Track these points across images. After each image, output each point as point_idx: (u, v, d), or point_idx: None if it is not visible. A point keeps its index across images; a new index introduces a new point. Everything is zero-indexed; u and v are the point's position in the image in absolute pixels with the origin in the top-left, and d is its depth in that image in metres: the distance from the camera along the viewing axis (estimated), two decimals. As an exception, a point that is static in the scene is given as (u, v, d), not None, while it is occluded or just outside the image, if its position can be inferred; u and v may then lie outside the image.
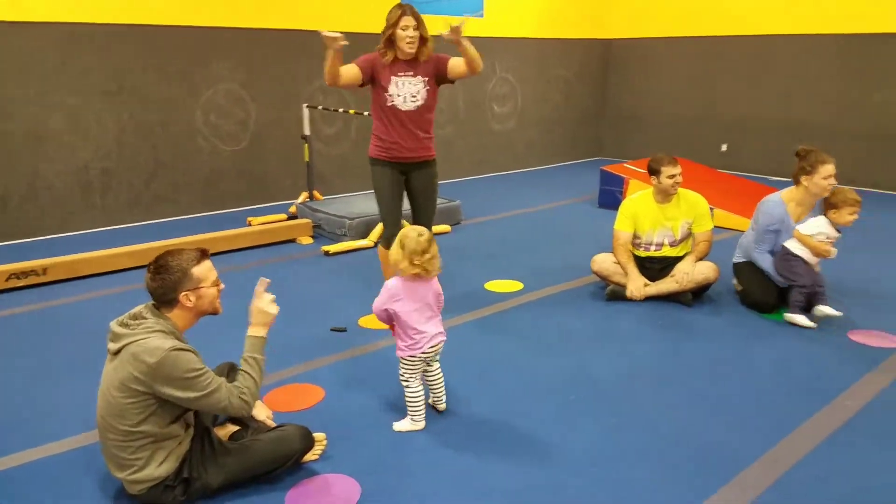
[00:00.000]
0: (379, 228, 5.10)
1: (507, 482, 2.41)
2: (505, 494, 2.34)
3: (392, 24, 3.56)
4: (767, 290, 3.96)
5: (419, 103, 3.66)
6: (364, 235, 5.48)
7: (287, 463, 2.32)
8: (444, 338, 2.76)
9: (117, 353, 2.09)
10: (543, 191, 7.76)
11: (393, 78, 3.64)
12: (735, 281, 4.21)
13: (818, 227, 3.79)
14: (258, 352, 2.31)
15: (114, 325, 2.14)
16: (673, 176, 4.04)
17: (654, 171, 4.10)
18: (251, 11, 6.43)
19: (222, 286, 2.29)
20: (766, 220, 3.97)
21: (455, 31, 3.36)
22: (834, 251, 3.81)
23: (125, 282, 4.55)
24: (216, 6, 6.22)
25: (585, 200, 7.17)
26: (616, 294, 4.18)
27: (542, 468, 2.49)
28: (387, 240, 3.96)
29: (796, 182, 3.96)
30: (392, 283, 2.70)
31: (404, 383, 2.73)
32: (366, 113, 6.03)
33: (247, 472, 2.25)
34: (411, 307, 2.67)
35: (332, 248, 5.22)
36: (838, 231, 3.80)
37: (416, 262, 2.64)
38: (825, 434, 2.70)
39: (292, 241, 5.55)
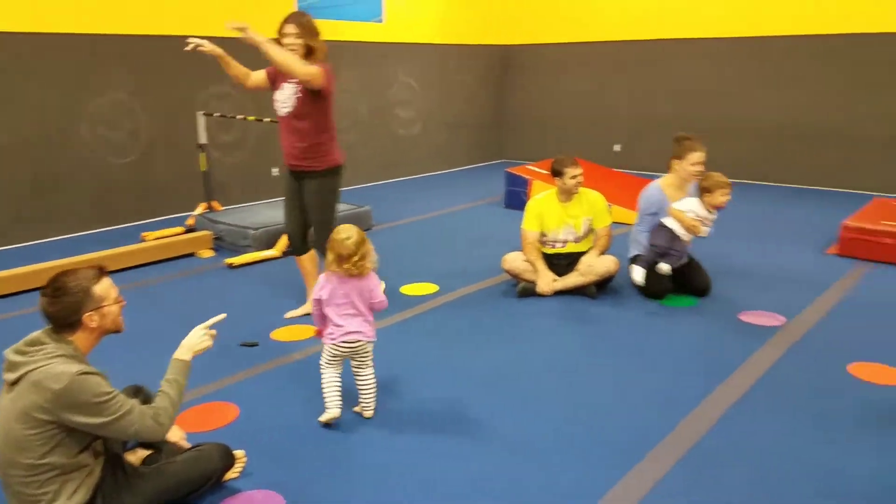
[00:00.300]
0: (285, 237, 5.00)
1: (431, 479, 2.42)
2: (429, 491, 2.35)
3: (278, 32, 3.58)
4: (660, 279, 4.19)
5: (288, 110, 3.66)
6: (269, 246, 5.33)
7: (207, 483, 2.24)
8: (364, 338, 2.79)
9: (15, 382, 1.93)
10: (451, 194, 7.85)
11: (283, 84, 3.67)
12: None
13: (689, 206, 4.08)
14: (180, 375, 2.21)
15: (9, 354, 1.98)
16: (575, 176, 4.22)
17: (557, 173, 4.25)
18: (137, 17, 6.13)
19: (124, 302, 2.18)
20: (645, 206, 4.27)
21: (239, 29, 3.37)
22: (705, 230, 4.08)
23: (8, 308, 4.22)
24: (99, 13, 5.89)
25: (492, 202, 7.31)
26: (527, 291, 4.29)
27: (468, 461, 2.53)
28: (293, 247, 3.99)
29: (669, 167, 4.24)
30: (323, 276, 2.82)
31: (321, 369, 2.82)
32: (266, 119, 5.91)
33: (165, 495, 2.14)
34: (333, 301, 2.76)
35: (236, 260, 5.06)
36: (712, 212, 4.08)
37: (343, 266, 2.71)
38: (724, 408, 2.90)
39: (192, 254, 5.33)
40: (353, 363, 2.83)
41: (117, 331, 2.16)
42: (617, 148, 9.15)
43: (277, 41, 3.53)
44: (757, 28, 7.89)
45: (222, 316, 2.38)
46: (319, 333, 2.90)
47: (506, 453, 2.60)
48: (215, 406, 2.97)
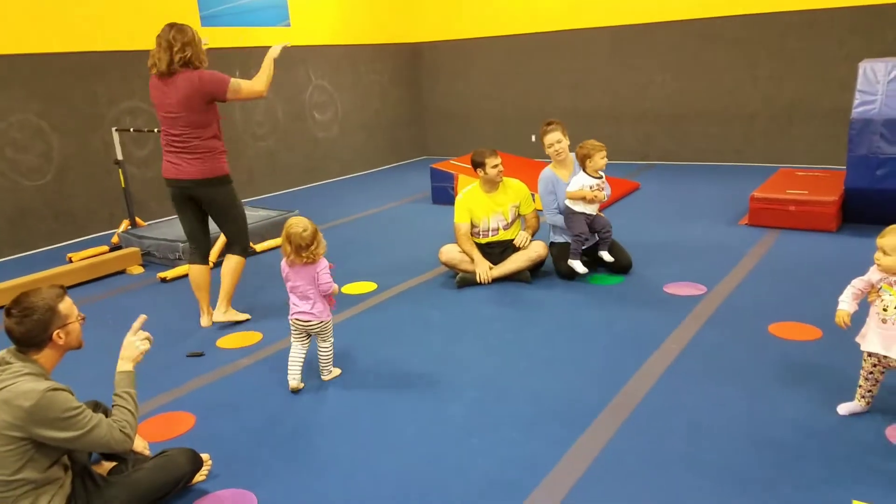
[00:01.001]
0: (219, 246, 4.96)
1: (392, 467, 2.54)
2: (392, 476, 2.48)
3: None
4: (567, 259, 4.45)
5: None
6: (202, 257, 5.27)
7: (177, 486, 2.29)
8: (315, 319, 3.13)
9: None
10: (377, 193, 7.93)
11: None
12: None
13: (578, 182, 4.34)
14: (129, 386, 2.26)
15: None
16: (496, 166, 4.40)
17: (478, 164, 4.44)
18: (34, 35, 5.90)
19: (84, 317, 2.21)
20: (542, 187, 4.58)
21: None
22: (602, 194, 4.35)
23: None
24: (-3, 28, 5.65)
25: (419, 199, 7.44)
26: (465, 281, 4.46)
27: (422, 444, 2.66)
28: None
29: None
30: (282, 265, 3.17)
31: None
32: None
33: (136, 502, 2.18)
34: (289, 284, 3.16)
35: (169, 273, 5.00)
36: (599, 176, 4.35)
37: (302, 255, 3.04)
38: (658, 374, 3.12)
39: (122, 272, 5.22)
40: (317, 337, 3.21)
41: (79, 347, 2.19)
42: (533, 138, 9.46)
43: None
44: (649, 15, 8.34)
45: (143, 318, 2.42)
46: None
47: (459, 433, 2.74)
48: (172, 416, 2.99)
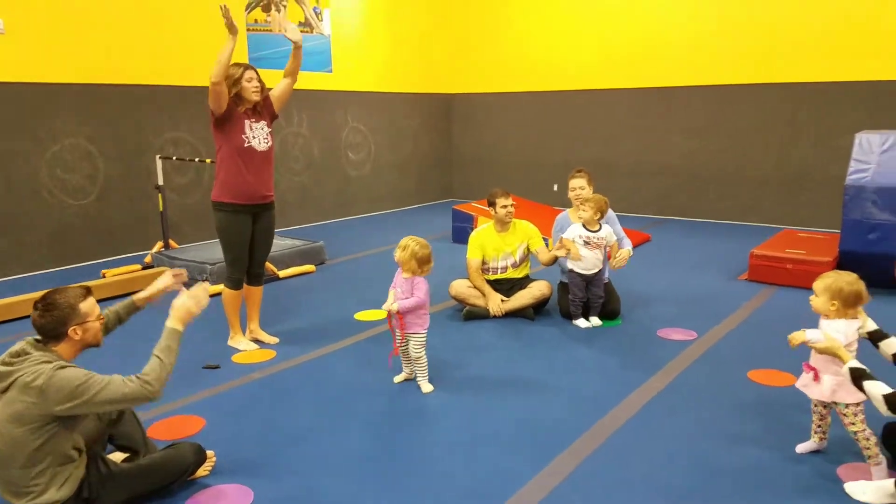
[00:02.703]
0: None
1: (381, 471, 2.73)
2: (380, 480, 2.66)
3: (237, 80, 3.89)
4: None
5: (268, 143, 4.04)
6: (228, 280, 5.57)
7: (182, 476, 2.50)
8: None
9: (5, 390, 2.17)
10: (400, 230, 8.13)
11: (250, 120, 3.96)
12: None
13: (572, 231, 4.46)
14: (172, 341, 2.41)
15: None
16: (506, 206, 4.63)
17: (491, 203, 4.69)
18: (92, 67, 6.39)
19: (104, 319, 2.46)
20: (555, 227, 4.80)
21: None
22: (587, 252, 4.35)
23: None
24: (54, 63, 6.14)
25: (441, 237, 7.70)
26: (472, 314, 4.67)
27: (416, 459, 2.84)
28: (236, 282, 4.13)
29: None
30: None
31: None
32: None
33: (143, 487, 2.40)
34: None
35: (196, 293, 5.28)
36: (594, 228, 4.40)
37: (424, 269, 3.45)
38: (636, 409, 3.30)
39: (152, 290, 5.53)
40: None
41: (96, 345, 2.41)
42: (556, 188, 9.72)
43: (238, 89, 3.90)
44: (669, 80, 8.68)
45: (206, 285, 2.60)
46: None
47: (447, 446, 2.93)
48: (184, 418, 3.22)
